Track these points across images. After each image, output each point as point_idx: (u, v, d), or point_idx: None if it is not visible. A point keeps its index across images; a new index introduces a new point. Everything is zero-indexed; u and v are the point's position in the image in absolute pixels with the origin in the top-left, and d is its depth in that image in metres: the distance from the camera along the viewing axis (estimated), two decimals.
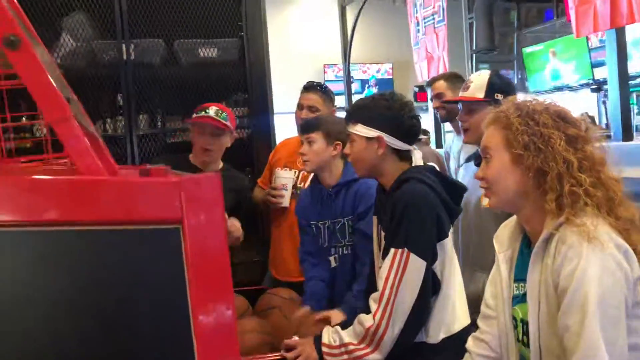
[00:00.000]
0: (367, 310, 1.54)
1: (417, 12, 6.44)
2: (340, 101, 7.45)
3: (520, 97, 1.98)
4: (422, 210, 1.51)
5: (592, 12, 3.76)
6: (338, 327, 1.57)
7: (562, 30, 7.61)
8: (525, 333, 1.24)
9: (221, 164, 2.41)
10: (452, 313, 1.60)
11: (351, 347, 1.51)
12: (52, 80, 0.62)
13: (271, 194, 2.45)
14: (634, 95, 8.12)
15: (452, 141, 2.76)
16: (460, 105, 2.02)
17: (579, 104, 9.47)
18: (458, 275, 1.68)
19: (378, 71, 9.34)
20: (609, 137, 4.96)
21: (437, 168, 1.69)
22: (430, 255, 1.51)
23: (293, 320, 1.85)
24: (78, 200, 0.61)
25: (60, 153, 1.31)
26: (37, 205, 0.60)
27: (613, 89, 3.98)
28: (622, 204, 1.16)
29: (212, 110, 2.30)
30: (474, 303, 1.55)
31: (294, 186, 2.43)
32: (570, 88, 8.56)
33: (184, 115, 2.97)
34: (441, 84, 2.69)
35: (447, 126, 7.22)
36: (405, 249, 1.49)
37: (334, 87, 8.41)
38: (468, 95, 1.95)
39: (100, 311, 0.62)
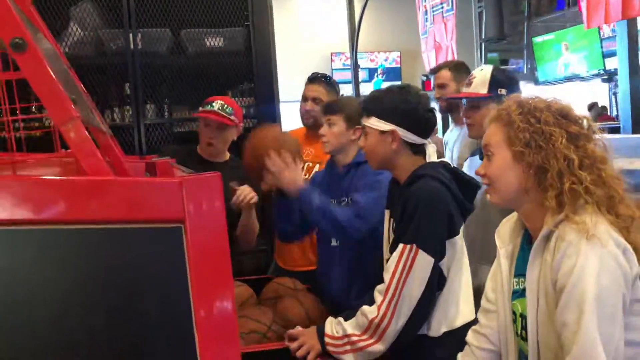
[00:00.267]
0: (370, 301, 1.55)
1: (425, 1, 6.40)
2: (347, 90, 7.44)
3: (525, 90, 1.98)
4: (434, 208, 1.52)
5: (603, 3, 3.72)
6: (341, 319, 1.59)
7: (574, 19, 7.53)
8: (524, 327, 1.25)
9: (228, 155, 2.42)
10: (455, 308, 1.61)
11: (354, 338, 1.53)
12: (58, 82, 0.64)
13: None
14: None
15: (450, 131, 2.73)
16: (464, 101, 2.02)
17: (590, 95, 9.40)
18: (466, 271, 1.68)
19: (386, 60, 9.29)
20: (618, 129, 4.93)
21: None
22: (438, 253, 1.52)
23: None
24: (83, 200, 0.63)
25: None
26: (43, 205, 0.62)
27: (623, 80, 3.95)
28: (622, 201, 1.16)
29: (217, 105, 2.30)
30: (478, 296, 1.56)
31: (310, 174, 2.44)
32: (581, 78, 8.47)
33: (190, 106, 3.00)
34: (445, 74, 2.65)
35: None
36: (415, 245, 1.50)
37: (341, 75, 8.47)
38: (471, 92, 1.94)
39: (104, 308, 0.64)
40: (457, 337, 1.49)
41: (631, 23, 3.80)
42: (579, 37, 7.88)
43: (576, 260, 1.09)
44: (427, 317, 1.56)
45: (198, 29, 3.02)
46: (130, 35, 2.87)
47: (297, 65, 7.21)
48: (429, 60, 6.35)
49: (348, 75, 8.18)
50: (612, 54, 7.03)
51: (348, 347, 1.54)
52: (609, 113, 8.99)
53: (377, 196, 1.85)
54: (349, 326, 1.55)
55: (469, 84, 1.97)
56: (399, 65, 9.23)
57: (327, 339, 1.56)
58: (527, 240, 1.31)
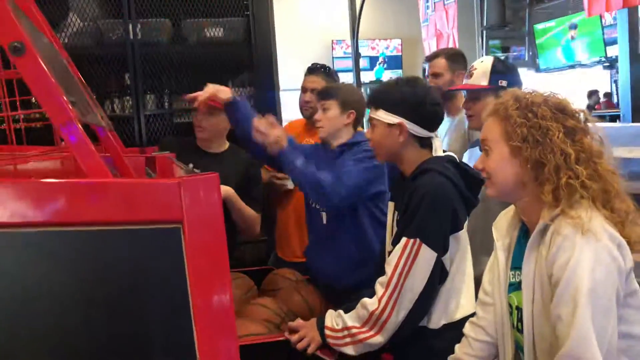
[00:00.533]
0: (370, 293, 1.57)
1: None
2: (348, 78, 7.41)
3: (526, 77, 1.98)
4: (438, 203, 1.52)
5: None
6: (341, 311, 1.60)
7: (575, 6, 7.48)
8: (520, 320, 1.27)
9: (227, 145, 2.42)
10: (456, 302, 1.62)
11: (354, 331, 1.55)
12: (56, 84, 0.64)
13: (277, 176, 2.48)
14: None
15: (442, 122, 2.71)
16: (464, 92, 2.02)
17: (591, 82, 9.36)
18: (469, 265, 1.69)
19: (387, 47, 9.25)
20: (619, 116, 4.92)
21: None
22: (442, 248, 1.53)
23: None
24: (82, 202, 0.64)
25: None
26: (42, 207, 0.63)
27: (624, 69, 3.94)
28: (618, 196, 1.17)
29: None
30: (477, 286, 1.57)
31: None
32: (582, 65, 8.44)
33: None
34: (441, 63, 2.61)
35: None
36: (418, 239, 1.50)
37: (342, 63, 8.42)
38: (472, 83, 1.95)
39: (103, 309, 0.65)
40: (456, 330, 1.51)
41: (632, 11, 3.78)
42: (581, 25, 7.83)
43: (571, 254, 1.10)
44: (428, 310, 1.57)
45: (198, 19, 3.00)
46: (130, 25, 2.86)
47: (298, 53, 7.18)
48: (430, 48, 6.33)
49: (349, 63, 8.13)
50: (614, 41, 6.99)
51: (348, 340, 1.55)
52: (612, 100, 8.96)
53: (364, 168, 1.87)
54: (349, 318, 1.56)
55: (470, 75, 1.97)
56: (400, 53, 9.19)
57: (327, 331, 1.58)
58: (523, 234, 1.33)
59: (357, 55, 7.25)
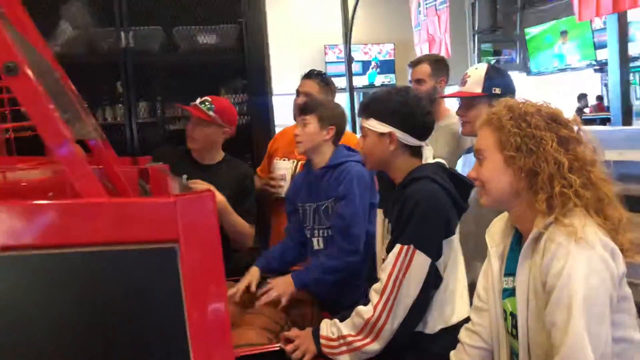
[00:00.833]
0: (365, 302, 1.57)
1: None
2: (341, 82, 7.43)
3: (518, 80, 2.00)
4: (431, 210, 1.53)
5: None
6: (336, 320, 1.60)
7: (566, 10, 7.53)
8: (515, 326, 1.28)
9: (222, 155, 2.41)
10: (452, 306, 1.63)
11: (350, 339, 1.55)
12: (50, 105, 0.64)
13: (270, 183, 2.48)
14: (637, 75, 8.09)
15: None
16: (458, 100, 2.03)
17: (582, 85, 9.43)
18: (462, 268, 1.70)
19: (379, 52, 9.27)
20: (609, 120, 4.97)
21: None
22: (435, 253, 1.54)
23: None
24: (76, 223, 0.64)
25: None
26: (35, 230, 0.62)
27: (613, 73, 3.98)
28: (610, 203, 1.18)
29: (199, 100, 2.30)
30: (471, 292, 1.58)
31: (293, 176, 2.45)
32: (573, 69, 8.51)
33: (183, 103, 2.97)
34: (425, 69, 2.64)
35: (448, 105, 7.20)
36: (412, 246, 1.51)
37: (334, 68, 8.43)
38: (466, 91, 1.96)
39: (99, 332, 0.64)
40: (452, 334, 1.51)
41: (621, 16, 3.82)
42: (571, 28, 7.90)
43: (565, 262, 1.11)
44: (423, 316, 1.58)
45: (190, 27, 3.01)
46: (122, 33, 2.86)
47: (291, 58, 7.18)
48: (422, 53, 6.35)
49: (342, 68, 8.16)
50: (604, 45, 7.05)
51: (344, 348, 1.55)
52: (603, 103, 9.03)
53: (358, 198, 1.90)
54: (345, 327, 1.56)
55: (464, 82, 1.98)
56: (392, 58, 9.21)
57: (322, 341, 1.57)
58: (516, 240, 1.33)
59: (349, 60, 7.27)
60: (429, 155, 1.67)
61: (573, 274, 1.10)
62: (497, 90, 1.91)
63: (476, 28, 8.07)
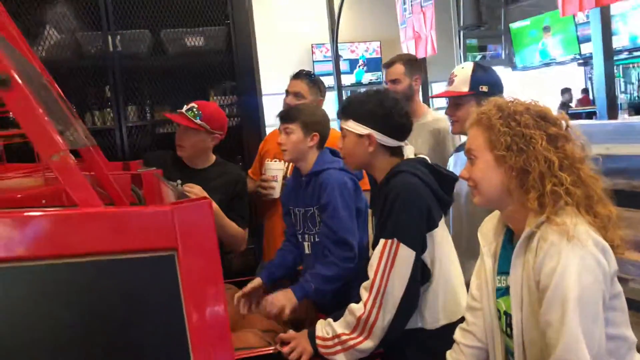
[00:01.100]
0: (357, 300, 1.58)
1: None
2: (329, 81, 7.43)
3: (503, 75, 2.02)
4: (411, 202, 1.55)
5: None
6: (330, 320, 1.61)
7: (549, 4, 7.60)
8: (509, 325, 1.29)
9: (213, 159, 2.40)
10: (454, 300, 1.65)
11: (344, 338, 1.56)
12: (44, 117, 0.64)
13: (262, 185, 2.47)
14: (620, 67, 8.18)
15: None
16: (446, 100, 2.05)
17: (567, 79, 9.52)
18: (458, 266, 1.72)
19: (366, 50, 9.29)
20: (594, 113, 5.02)
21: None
22: (419, 246, 1.55)
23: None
24: (74, 233, 0.64)
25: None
26: (34, 240, 0.62)
27: (598, 67, 4.00)
28: (600, 201, 1.20)
29: (186, 107, 2.28)
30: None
31: (284, 177, 2.45)
32: (558, 63, 8.59)
33: (172, 106, 2.97)
34: (399, 69, 2.67)
35: (436, 103, 7.24)
36: (395, 239, 1.53)
37: (322, 67, 8.43)
38: (453, 90, 1.98)
39: (100, 340, 0.64)
40: (455, 329, 1.53)
41: (604, 9, 3.84)
42: (555, 23, 7.97)
43: (558, 261, 1.12)
44: (414, 311, 1.59)
45: (178, 29, 2.99)
46: (109, 37, 2.84)
47: (278, 59, 7.16)
48: (409, 50, 6.35)
49: (329, 67, 8.15)
50: (587, 39, 7.13)
51: (339, 347, 1.56)
52: (589, 95, 9.12)
53: (343, 204, 1.91)
54: (339, 326, 1.57)
55: (451, 82, 2.00)
56: (379, 56, 9.23)
57: (318, 341, 1.58)
58: (508, 239, 1.34)
59: (337, 59, 7.27)
60: (410, 153, 1.70)
61: (566, 272, 1.11)
62: (484, 88, 1.93)
63: (461, 24, 8.12)
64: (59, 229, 0.63)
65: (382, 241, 1.55)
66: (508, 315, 1.28)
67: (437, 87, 8.03)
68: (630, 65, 8.39)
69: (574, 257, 1.11)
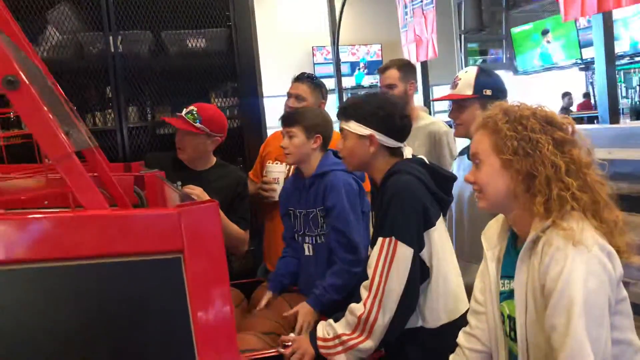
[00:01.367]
0: (357, 300, 1.58)
1: None
2: (329, 84, 7.43)
3: (504, 80, 2.02)
4: (407, 200, 1.57)
5: None
6: (331, 321, 1.61)
7: (552, 9, 7.61)
8: (513, 329, 1.28)
9: (214, 161, 2.40)
10: (454, 299, 1.66)
11: (345, 338, 1.56)
12: (52, 119, 0.63)
13: (263, 188, 2.47)
14: (622, 73, 8.19)
15: None
16: (450, 103, 2.06)
17: (568, 84, 9.53)
18: (456, 265, 1.73)
19: (367, 53, 9.30)
20: (596, 118, 5.01)
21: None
22: (416, 244, 1.56)
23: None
24: (81, 235, 0.63)
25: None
26: (41, 243, 0.62)
27: (600, 71, 4.00)
28: (607, 206, 1.19)
29: (185, 111, 2.27)
30: (469, 295, 1.59)
31: (286, 179, 2.44)
32: (559, 67, 8.59)
33: (173, 107, 2.97)
34: (394, 74, 2.70)
35: (437, 106, 7.24)
36: (393, 238, 1.54)
37: (323, 69, 8.43)
38: (457, 93, 1.98)
39: (106, 343, 0.64)
40: (455, 328, 1.53)
41: (607, 15, 3.84)
42: (556, 27, 7.97)
43: (564, 265, 1.11)
44: (414, 309, 1.60)
45: (179, 31, 2.99)
46: (111, 38, 2.83)
47: (279, 61, 7.16)
48: (410, 54, 6.36)
49: (330, 69, 8.16)
50: (589, 43, 7.13)
51: (340, 348, 1.56)
52: (591, 100, 9.13)
53: (349, 205, 1.91)
54: (339, 326, 1.58)
55: (455, 85, 2.00)
56: (380, 58, 9.23)
57: (319, 342, 1.59)
58: (512, 243, 1.34)
59: (337, 61, 7.28)
60: (408, 154, 1.72)
61: (572, 277, 1.10)
62: (488, 92, 1.94)
63: (462, 28, 8.13)
64: (65, 231, 0.63)
65: (380, 240, 1.57)
66: (512, 319, 1.28)
67: (437, 91, 8.04)
68: (632, 71, 8.40)
69: (580, 261, 1.10)
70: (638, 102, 8.28)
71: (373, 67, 9.26)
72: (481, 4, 7.57)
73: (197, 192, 2.05)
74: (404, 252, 1.53)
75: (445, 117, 3.09)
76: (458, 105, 1.99)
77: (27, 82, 0.61)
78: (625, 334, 1.19)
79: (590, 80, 9.12)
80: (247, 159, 3.00)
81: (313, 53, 8.83)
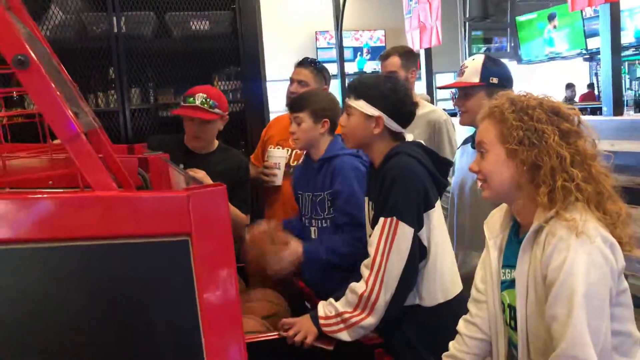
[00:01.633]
0: (357, 279, 1.59)
1: None
2: (332, 69, 7.40)
3: (508, 67, 2.01)
4: (409, 181, 1.59)
5: None
6: (332, 300, 1.63)
7: None
8: (513, 318, 1.29)
9: (216, 144, 2.40)
10: (449, 279, 1.68)
11: (346, 315, 1.58)
12: (61, 98, 0.63)
13: (264, 172, 2.47)
14: (626, 64, 8.15)
15: None
16: (456, 90, 2.05)
17: (571, 74, 9.48)
18: (450, 248, 1.76)
19: (370, 38, 9.24)
20: (599, 109, 5.00)
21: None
22: (417, 223, 1.59)
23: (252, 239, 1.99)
24: (89, 216, 0.63)
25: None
26: (50, 222, 0.62)
27: (605, 63, 3.97)
28: (610, 198, 1.19)
29: (199, 99, 2.22)
30: (470, 283, 1.60)
31: (287, 164, 2.45)
32: (563, 57, 8.54)
33: (175, 89, 2.96)
34: (395, 62, 2.69)
35: (440, 94, 7.22)
36: (395, 218, 1.56)
37: (325, 54, 8.38)
38: (464, 81, 1.97)
39: (113, 323, 0.64)
40: (453, 307, 1.57)
41: (614, 5, 3.81)
42: (562, 16, 7.91)
43: (566, 256, 1.12)
44: (413, 286, 1.62)
45: (183, 12, 2.97)
46: (114, 18, 2.81)
47: (282, 45, 7.12)
48: (413, 40, 6.32)
49: (333, 54, 8.12)
50: (594, 33, 7.08)
51: (342, 325, 1.58)
52: (595, 91, 9.09)
53: (358, 203, 1.90)
54: (341, 304, 1.60)
55: (461, 73, 2.00)
56: (383, 44, 9.18)
57: (321, 321, 1.60)
58: (515, 232, 1.34)
59: (340, 46, 7.24)
60: (409, 139, 1.73)
61: (574, 268, 1.11)
62: (495, 80, 1.93)
63: (467, 15, 8.06)
64: (74, 211, 0.63)
65: (381, 219, 1.58)
66: (512, 308, 1.29)
67: (441, 78, 8.00)
68: (636, 62, 8.36)
69: (582, 252, 1.11)
70: None
71: (376, 52, 9.20)
72: None
73: (200, 175, 2.05)
74: (405, 232, 1.56)
75: (447, 105, 3.08)
76: (464, 92, 1.98)
77: (37, 61, 0.61)
78: (625, 326, 1.19)
79: (595, 71, 9.08)
80: (249, 143, 3.00)
81: (316, 37, 8.78)
